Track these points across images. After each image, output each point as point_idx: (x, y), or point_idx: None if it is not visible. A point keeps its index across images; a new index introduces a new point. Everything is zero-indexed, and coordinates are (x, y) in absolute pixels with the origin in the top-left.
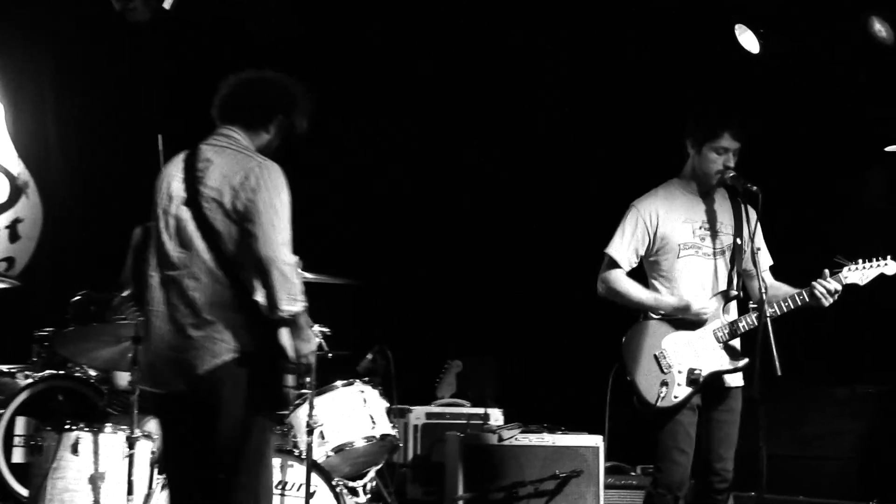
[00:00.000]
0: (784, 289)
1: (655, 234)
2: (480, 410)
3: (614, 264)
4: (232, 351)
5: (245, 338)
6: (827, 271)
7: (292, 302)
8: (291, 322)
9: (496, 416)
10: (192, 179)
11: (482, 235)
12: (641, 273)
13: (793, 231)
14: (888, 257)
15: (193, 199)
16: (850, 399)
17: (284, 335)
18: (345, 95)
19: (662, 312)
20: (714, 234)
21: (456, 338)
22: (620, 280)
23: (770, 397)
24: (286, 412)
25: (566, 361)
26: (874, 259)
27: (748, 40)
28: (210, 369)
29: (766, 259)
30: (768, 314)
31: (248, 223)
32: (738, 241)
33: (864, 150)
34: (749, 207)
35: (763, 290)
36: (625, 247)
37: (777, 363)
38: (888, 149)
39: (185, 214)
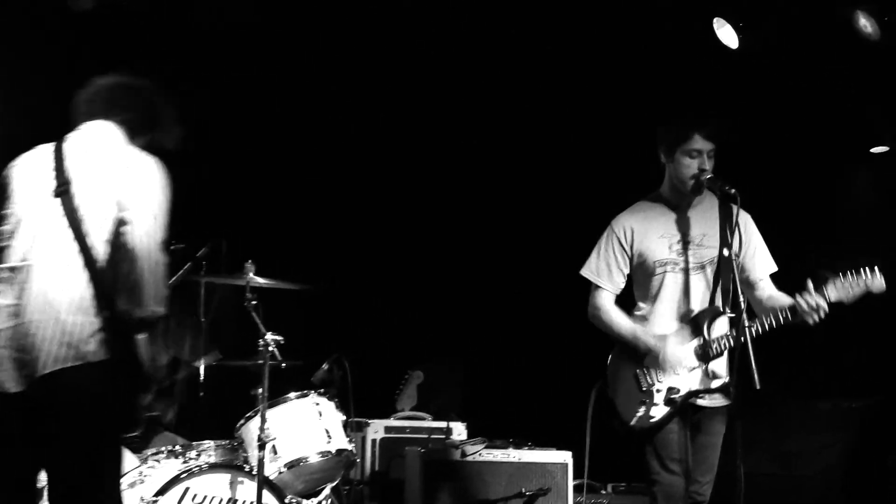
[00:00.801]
0: (782, 300)
1: (632, 251)
2: (443, 424)
3: (600, 289)
4: (80, 357)
5: (99, 344)
6: (810, 283)
7: (159, 303)
8: (151, 325)
9: (459, 430)
10: (61, 171)
11: (446, 238)
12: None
13: (773, 235)
14: (875, 269)
15: (62, 192)
16: (832, 413)
17: (142, 342)
18: (301, 95)
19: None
20: (695, 247)
21: (417, 347)
22: (606, 309)
23: (749, 412)
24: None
25: (534, 372)
26: (860, 272)
27: (727, 35)
28: (52, 372)
29: (763, 266)
30: (725, 342)
31: (122, 219)
32: (725, 252)
33: (848, 151)
34: (743, 212)
35: (743, 306)
36: (604, 269)
37: (756, 376)
38: (874, 150)
39: (51, 208)
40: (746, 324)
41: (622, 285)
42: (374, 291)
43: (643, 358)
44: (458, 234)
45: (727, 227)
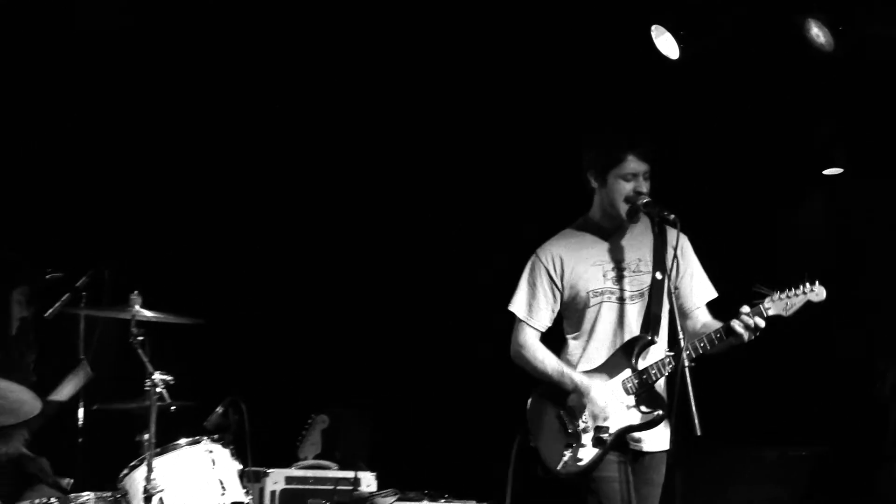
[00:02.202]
0: (716, 326)
1: (562, 283)
2: (350, 474)
3: (525, 326)
4: None
5: None
6: (745, 308)
7: None
8: None
9: (368, 481)
10: None
11: (355, 270)
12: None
13: (717, 262)
14: (816, 282)
15: None
16: (780, 462)
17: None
18: (191, 114)
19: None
20: (631, 274)
21: (322, 388)
22: (531, 347)
23: (689, 460)
24: None
25: (449, 417)
26: (799, 286)
27: (666, 44)
28: None
29: (700, 293)
30: (655, 371)
31: None
32: (658, 275)
33: (799, 173)
34: (680, 234)
35: (682, 335)
36: (530, 304)
37: (697, 421)
38: (827, 172)
39: None
40: (686, 363)
41: (549, 323)
42: (275, 327)
43: (567, 397)
44: (369, 268)
45: (663, 252)
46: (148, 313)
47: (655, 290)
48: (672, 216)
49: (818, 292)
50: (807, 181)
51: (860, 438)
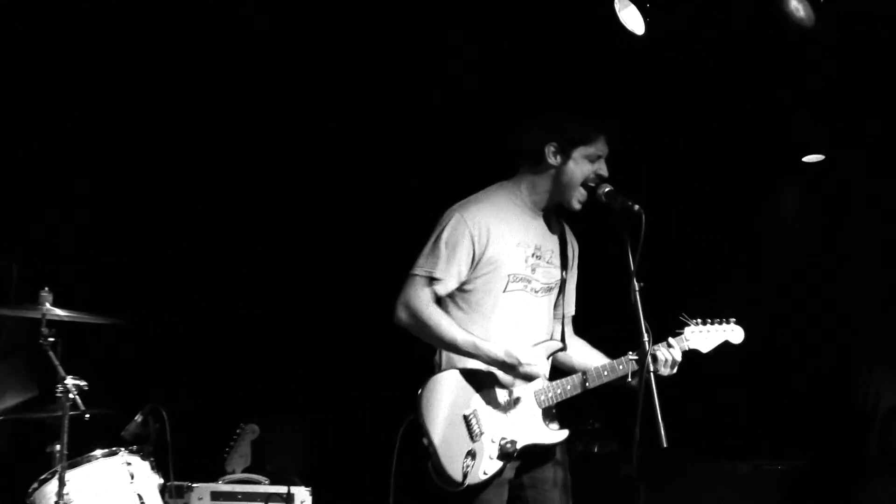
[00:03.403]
0: (584, 349)
1: (483, 255)
2: (282, 489)
3: (427, 285)
4: None
5: None
6: (667, 343)
7: None
8: None
9: (303, 497)
10: None
11: (288, 268)
12: None
13: (680, 258)
14: (732, 321)
15: None
16: (753, 476)
17: None
18: (108, 102)
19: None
20: (545, 266)
21: (252, 395)
22: (431, 309)
23: (654, 474)
24: None
25: (392, 426)
26: (719, 321)
27: (631, 18)
28: None
29: (573, 305)
30: (570, 387)
31: None
32: (564, 274)
33: (775, 160)
34: (576, 246)
35: (648, 347)
36: (444, 263)
37: (663, 432)
38: (806, 159)
39: None
40: (651, 368)
41: (448, 292)
42: (201, 328)
43: (475, 393)
44: (302, 266)
45: (565, 246)
46: (60, 312)
47: (561, 290)
48: (636, 207)
49: (736, 332)
50: (783, 169)
51: (840, 451)
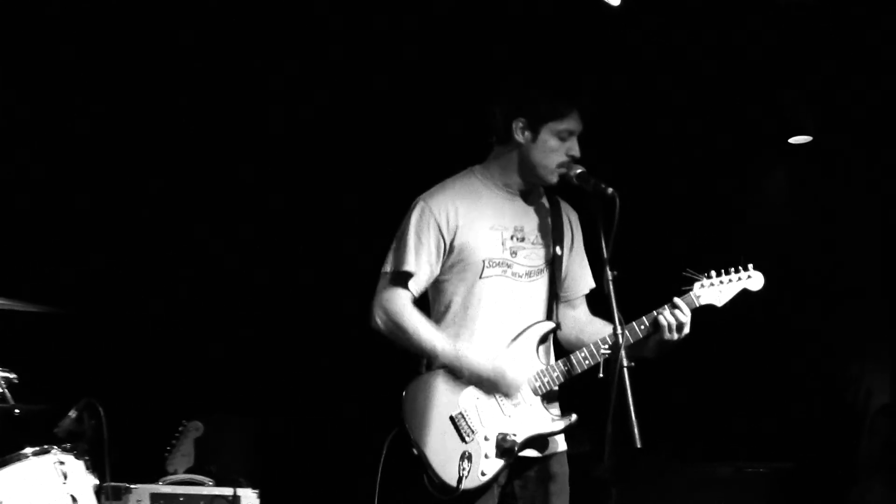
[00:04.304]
0: (599, 327)
1: (452, 244)
2: (228, 491)
3: (401, 283)
4: None
5: None
6: (671, 303)
7: None
8: None
9: (249, 499)
10: None
11: (236, 254)
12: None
13: (659, 244)
14: (750, 267)
15: None
16: (735, 480)
17: None
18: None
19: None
20: (529, 247)
21: (196, 390)
22: (408, 313)
23: (628, 477)
24: None
25: (343, 425)
26: (732, 270)
27: None
28: None
29: (586, 281)
30: (557, 374)
31: None
32: (559, 251)
33: (761, 141)
34: (573, 218)
35: (619, 325)
36: (413, 257)
37: (637, 432)
38: (794, 140)
39: None
40: (625, 362)
41: (424, 288)
42: (140, 318)
43: (462, 391)
44: (251, 251)
45: (560, 225)
46: None
47: (557, 268)
48: (610, 190)
49: (755, 278)
50: (769, 151)
51: (828, 453)
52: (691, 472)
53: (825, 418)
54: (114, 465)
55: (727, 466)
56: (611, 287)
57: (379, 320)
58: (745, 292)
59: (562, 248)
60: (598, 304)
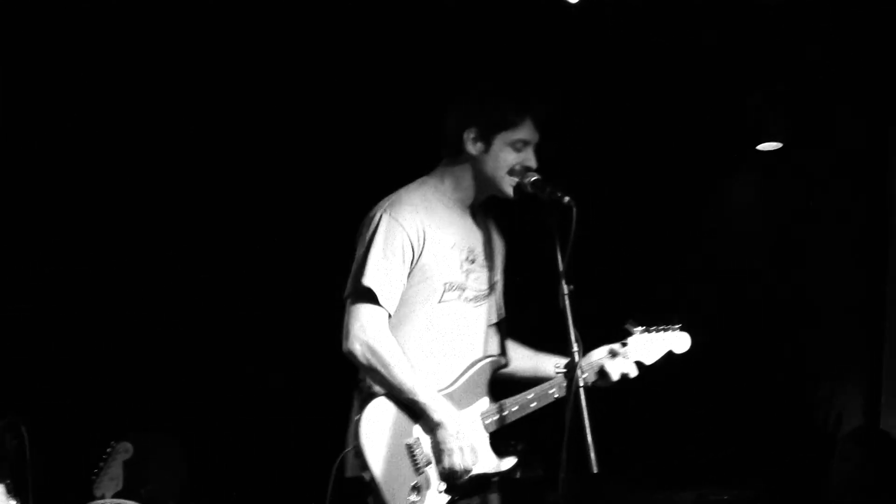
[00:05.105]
0: (525, 357)
1: (417, 262)
2: None
3: (377, 307)
4: None
5: None
6: (611, 352)
7: None
8: None
9: None
10: None
11: (164, 262)
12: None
13: (621, 260)
14: (676, 327)
15: None
16: None
17: None
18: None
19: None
20: (478, 270)
21: (124, 409)
22: (388, 345)
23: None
24: None
25: (281, 441)
26: (663, 327)
27: None
28: None
29: (502, 306)
30: (508, 411)
31: None
32: (496, 276)
33: (727, 148)
34: (498, 234)
35: (576, 347)
36: (385, 276)
37: (593, 456)
38: (761, 147)
39: None
40: (581, 382)
41: (397, 305)
42: (66, 331)
43: (414, 424)
44: (178, 265)
45: (491, 244)
46: None
47: (497, 295)
48: (567, 199)
49: (680, 340)
50: (736, 158)
51: (796, 480)
52: (651, 499)
53: (793, 442)
54: (37, 488)
55: (689, 493)
56: (566, 302)
57: (356, 349)
58: (671, 354)
59: (497, 273)
60: (553, 319)
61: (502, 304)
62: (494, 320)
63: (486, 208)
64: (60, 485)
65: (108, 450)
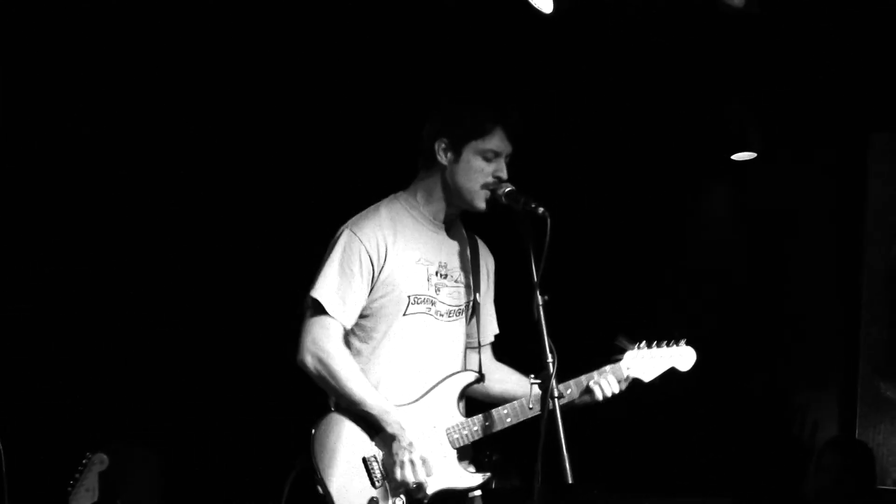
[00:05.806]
0: (506, 377)
1: (379, 276)
2: None
3: (331, 320)
4: None
5: None
6: (604, 370)
7: None
8: None
9: None
10: None
11: (141, 269)
12: None
13: (596, 272)
14: (682, 342)
15: None
16: None
17: None
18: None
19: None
20: (452, 285)
21: (100, 419)
22: (340, 357)
23: None
24: None
25: (258, 452)
26: (666, 342)
27: None
28: None
29: (494, 327)
30: (477, 428)
31: None
32: (477, 297)
33: (702, 158)
34: (490, 263)
35: (552, 369)
36: (343, 294)
37: (568, 466)
38: (736, 157)
39: None
40: (556, 393)
41: (354, 321)
42: (40, 339)
43: (374, 437)
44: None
45: (477, 262)
46: None
47: (474, 314)
48: (541, 209)
49: (686, 356)
50: (711, 168)
51: (771, 489)
52: None
53: (768, 451)
54: (12, 499)
55: (665, 501)
56: (541, 313)
57: (307, 360)
58: (673, 371)
59: (478, 294)
60: (526, 331)
61: (495, 326)
62: (483, 341)
63: (468, 226)
64: (36, 495)
65: (84, 461)
